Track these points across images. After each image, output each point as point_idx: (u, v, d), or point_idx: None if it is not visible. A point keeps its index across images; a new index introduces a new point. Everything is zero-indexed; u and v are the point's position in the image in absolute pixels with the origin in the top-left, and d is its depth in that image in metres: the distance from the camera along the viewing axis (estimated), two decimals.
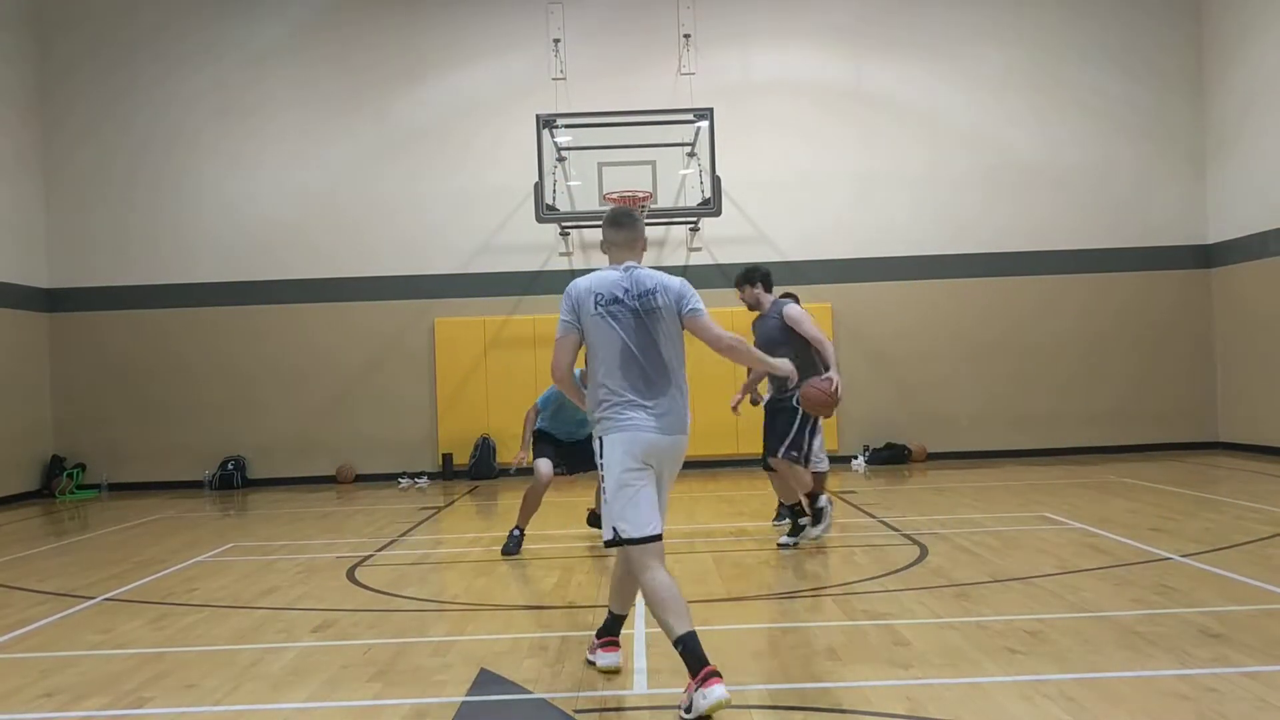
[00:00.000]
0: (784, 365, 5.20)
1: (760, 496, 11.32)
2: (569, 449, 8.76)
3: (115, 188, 15.64)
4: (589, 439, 8.54)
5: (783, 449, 7.94)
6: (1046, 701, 4.30)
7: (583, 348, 4.75)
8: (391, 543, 9.49)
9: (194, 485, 15.30)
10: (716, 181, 13.54)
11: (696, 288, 4.94)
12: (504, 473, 15.21)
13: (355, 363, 15.50)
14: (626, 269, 4.73)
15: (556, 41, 15.20)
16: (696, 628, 4.32)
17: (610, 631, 5.00)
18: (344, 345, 15.51)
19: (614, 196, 13.45)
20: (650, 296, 4.64)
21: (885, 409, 15.36)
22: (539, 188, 13.50)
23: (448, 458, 15.28)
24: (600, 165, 13.84)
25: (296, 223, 15.57)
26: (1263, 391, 14.32)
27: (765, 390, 8.76)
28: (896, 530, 9.01)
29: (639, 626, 5.84)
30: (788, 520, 8.49)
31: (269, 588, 7.43)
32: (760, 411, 8.62)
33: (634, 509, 4.48)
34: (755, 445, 8.61)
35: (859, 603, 6.26)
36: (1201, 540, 7.88)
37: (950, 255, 15.48)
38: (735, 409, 8.87)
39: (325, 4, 15.80)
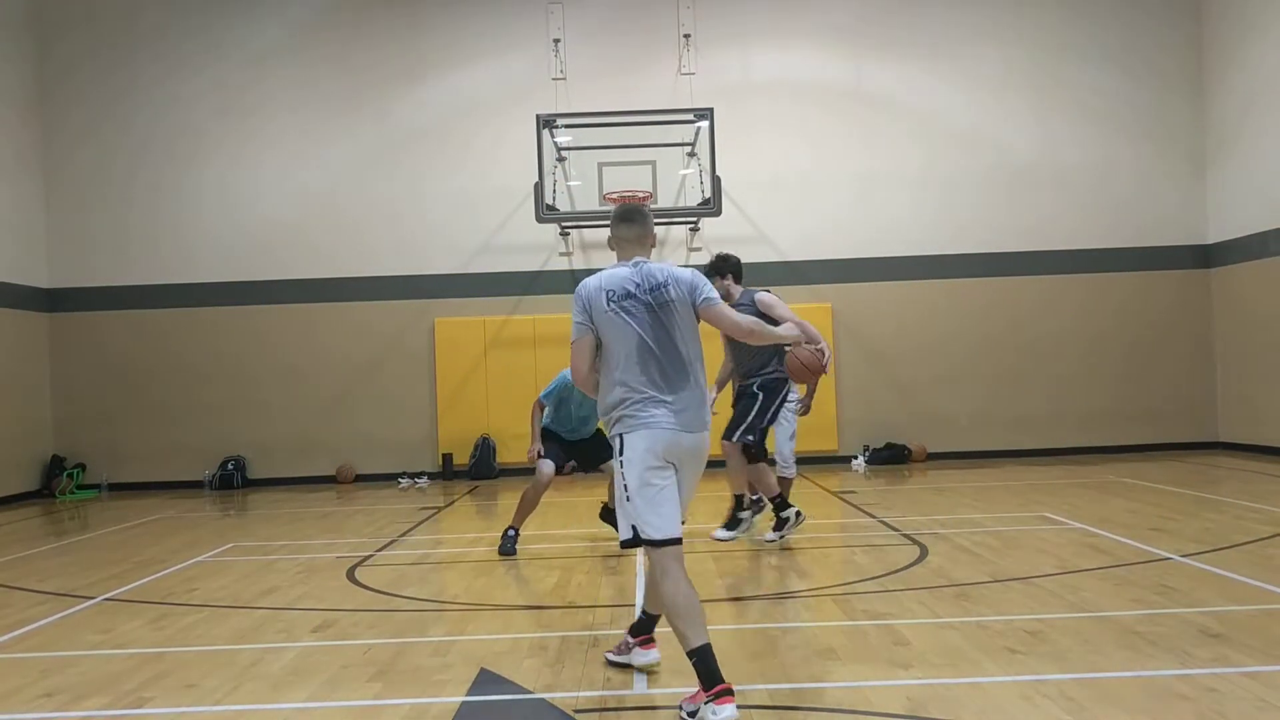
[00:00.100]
0: (791, 331, 5.09)
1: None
2: (573, 446, 8.70)
3: (115, 188, 15.64)
4: (594, 436, 8.58)
5: (738, 433, 7.90)
6: (1046, 701, 4.30)
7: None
8: (391, 543, 9.49)
9: (194, 485, 15.30)
10: (716, 181, 13.54)
11: None
12: (504, 472, 15.21)
13: (355, 363, 15.50)
14: (635, 264, 4.66)
15: (556, 41, 15.20)
16: None
17: (645, 630, 4.92)
18: (344, 345, 15.51)
19: (614, 196, 13.45)
20: (663, 289, 4.57)
21: (885, 409, 15.36)
22: (539, 188, 13.50)
23: (448, 458, 15.29)
24: (600, 165, 13.84)
25: (297, 223, 15.57)
26: (1263, 391, 14.32)
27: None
28: (896, 530, 9.01)
29: None
30: (747, 516, 8.51)
31: (269, 588, 7.43)
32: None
33: (655, 510, 4.40)
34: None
35: (859, 603, 6.27)
36: (1201, 540, 7.88)
37: (950, 255, 15.48)
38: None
39: (325, 4, 15.80)
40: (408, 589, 7.28)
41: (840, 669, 4.89)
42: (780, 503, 8.19)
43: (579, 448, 8.71)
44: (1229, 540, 7.86)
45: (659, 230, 15.16)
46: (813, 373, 7.28)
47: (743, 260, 8.28)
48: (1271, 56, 14.01)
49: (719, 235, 14.81)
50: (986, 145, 15.54)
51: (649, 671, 4.84)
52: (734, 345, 8.02)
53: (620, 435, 4.50)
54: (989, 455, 15.13)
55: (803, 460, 14.64)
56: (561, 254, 15.34)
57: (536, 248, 15.34)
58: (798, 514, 8.22)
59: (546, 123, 13.49)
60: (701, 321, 4.67)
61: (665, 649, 5.31)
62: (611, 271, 4.65)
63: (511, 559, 8.28)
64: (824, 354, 6.82)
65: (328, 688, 4.91)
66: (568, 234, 15.19)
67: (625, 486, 4.47)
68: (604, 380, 4.58)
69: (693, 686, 4.35)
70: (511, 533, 8.53)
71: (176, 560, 8.81)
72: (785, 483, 9.09)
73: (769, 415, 7.95)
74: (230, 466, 15.24)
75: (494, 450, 15.20)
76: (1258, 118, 14.32)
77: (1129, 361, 15.43)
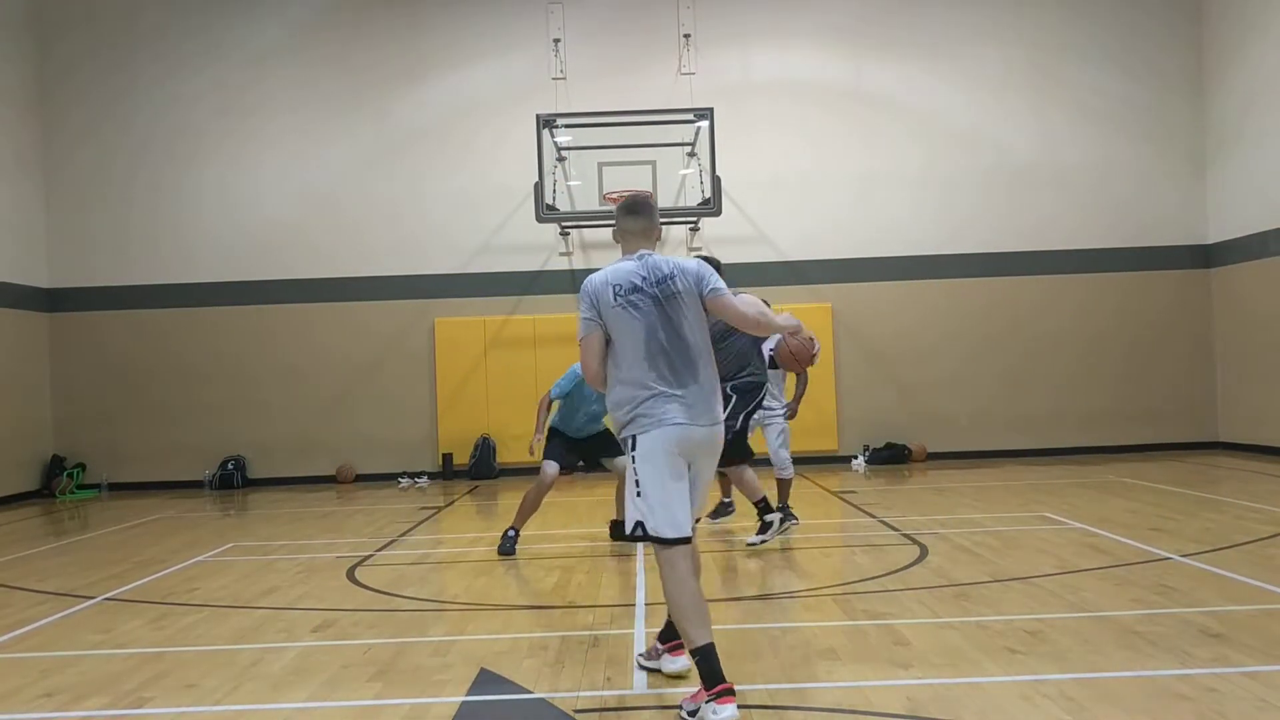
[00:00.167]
0: (791, 320, 4.97)
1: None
2: (579, 444, 8.64)
3: (115, 188, 15.64)
4: (602, 433, 8.53)
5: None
6: (1046, 701, 4.30)
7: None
8: (391, 543, 9.49)
9: (194, 485, 15.30)
10: (716, 181, 13.53)
11: None
12: (504, 472, 15.22)
13: (355, 363, 15.50)
14: (640, 257, 4.60)
15: (556, 41, 15.20)
16: None
17: (675, 635, 4.75)
18: (344, 345, 15.51)
19: (614, 196, 13.44)
20: (669, 281, 4.51)
21: (885, 409, 15.36)
22: (539, 188, 13.49)
23: (448, 458, 15.29)
24: (600, 165, 13.84)
25: (297, 223, 15.57)
26: (1263, 391, 14.32)
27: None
28: (896, 530, 9.01)
29: (639, 626, 5.85)
30: (726, 518, 8.56)
31: (269, 588, 7.43)
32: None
33: (665, 508, 4.35)
34: (757, 445, 8.59)
35: (859, 603, 6.27)
36: (1201, 540, 7.88)
37: (950, 255, 15.48)
38: None
39: (325, 4, 15.80)
40: (408, 589, 7.28)
41: (840, 669, 4.88)
42: (764, 506, 8.14)
43: (585, 445, 8.66)
44: (1229, 540, 7.86)
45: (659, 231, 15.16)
46: (801, 362, 7.24)
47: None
48: (1271, 56, 14.00)
49: (719, 235, 14.81)
50: (986, 145, 15.54)
51: (678, 678, 4.74)
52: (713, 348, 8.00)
53: (633, 435, 4.44)
54: (989, 455, 15.13)
55: (803, 460, 14.68)
56: (561, 254, 15.34)
57: (536, 248, 15.34)
58: (782, 519, 8.21)
59: (546, 123, 13.49)
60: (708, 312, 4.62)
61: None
62: (617, 266, 4.60)
63: (511, 559, 8.28)
64: (814, 343, 6.78)
65: (328, 688, 4.91)
66: (568, 234, 15.19)
67: (637, 483, 4.41)
68: (612, 376, 4.52)
69: (694, 687, 4.35)
70: (512, 533, 8.53)
71: (176, 560, 8.81)
72: (784, 485, 9.08)
73: (741, 418, 7.86)
74: (230, 466, 15.24)
75: (494, 450, 15.20)
76: (1258, 118, 14.32)
77: (1129, 361, 15.43)
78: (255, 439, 15.42)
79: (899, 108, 15.55)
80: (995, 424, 15.37)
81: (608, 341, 4.52)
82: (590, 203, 13.94)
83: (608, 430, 8.38)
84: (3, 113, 14.78)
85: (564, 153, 14.14)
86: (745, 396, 7.88)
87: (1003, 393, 15.40)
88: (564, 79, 15.03)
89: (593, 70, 15.22)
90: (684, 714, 4.25)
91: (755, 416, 8.20)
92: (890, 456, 15.09)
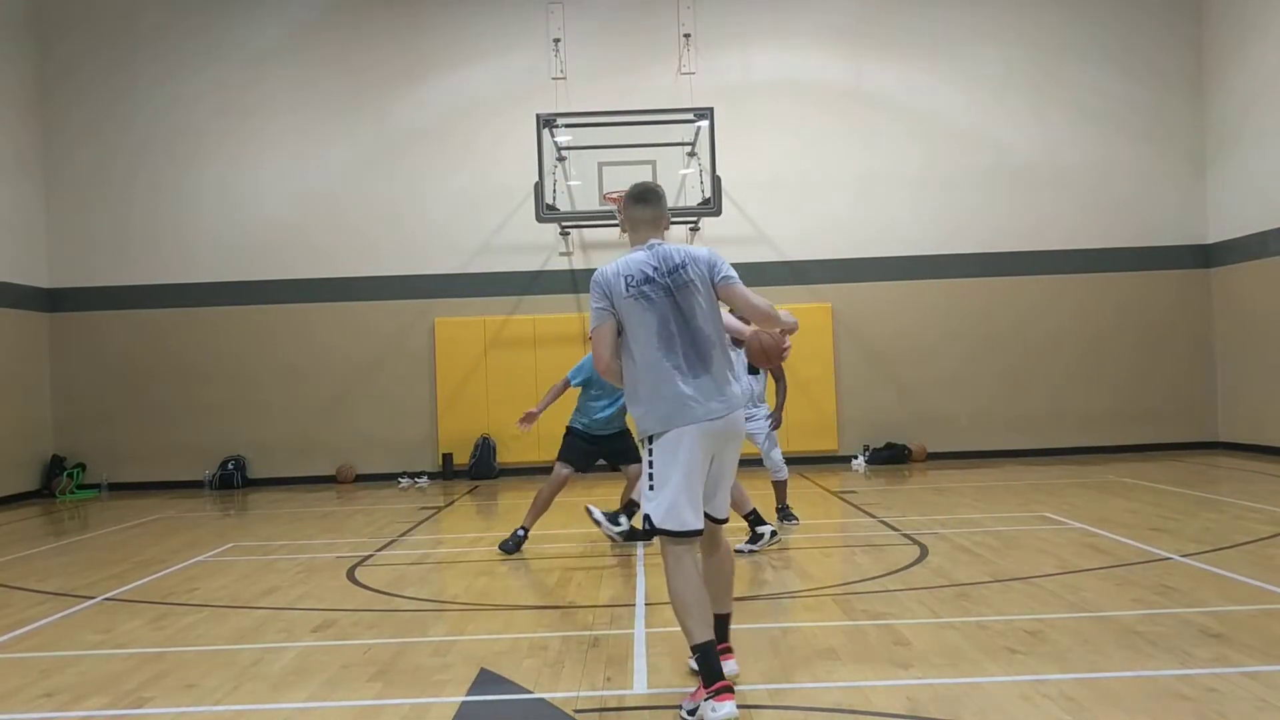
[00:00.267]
0: (791, 319, 4.90)
1: (760, 496, 11.31)
2: (599, 445, 8.53)
3: (115, 188, 15.64)
4: (621, 434, 8.46)
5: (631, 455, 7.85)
6: (1046, 701, 4.30)
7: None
8: (391, 543, 9.49)
9: (194, 485, 15.30)
10: (717, 181, 13.54)
11: None
12: (504, 472, 15.22)
13: (355, 363, 15.50)
14: (651, 247, 4.58)
15: (556, 41, 15.20)
16: None
17: (722, 637, 4.66)
18: (344, 345, 15.51)
19: (614, 196, 13.44)
20: (681, 271, 4.49)
21: (885, 409, 15.36)
22: (539, 188, 13.49)
23: (448, 457, 15.29)
24: (600, 165, 13.84)
25: (297, 223, 15.57)
26: (1263, 391, 14.32)
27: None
28: (896, 530, 9.01)
29: (639, 626, 5.85)
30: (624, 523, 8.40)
31: (269, 588, 7.43)
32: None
33: (675, 503, 4.33)
34: (747, 448, 8.56)
35: (859, 603, 6.26)
36: (1201, 540, 7.88)
37: (950, 255, 15.48)
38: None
39: (325, 4, 15.80)
40: (408, 589, 7.28)
41: (840, 669, 4.88)
42: (755, 518, 8.05)
43: (605, 446, 8.54)
44: (1229, 540, 7.86)
45: None
46: (771, 358, 7.20)
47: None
48: (1271, 56, 14.00)
49: (719, 235, 14.81)
50: (986, 145, 15.54)
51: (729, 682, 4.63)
52: None
53: (649, 435, 4.42)
54: (989, 455, 15.13)
55: (803, 460, 14.73)
56: (561, 254, 15.34)
57: (536, 248, 15.34)
58: (772, 533, 8.12)
59: (546, 123, 13.49)
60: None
61: (664, 646, 5.31)
62: (628, 257, 4.56)
63: (511, 559, 8.28)
64: (785, 338, 6.74)
65: (328, 688, 4.91)
66: (568, 234, 15.19)
67: (650, 476, 4.40)
68: (627, 370, 4.51)
69: (693, 685, 4.35)
70: (521, 532, 8.49)
71: (176, 560, 8.81)
72: (780, 486, 9.06)
73: None
74: (230, 466, 15.24)
75: (494, 450, 15.20)
76: (1258, 118, 14.32)
77: (1129, 361, 15.43)
78: (255, 439, 15.42)
79: (899, 108, 15.55)
80: (995, 424, 15.37)
81: (619, 333, 4.49)
82: (590, 203, 13.94)
83: (628, 431, 8.28)
84: (3, 113, 14.78)
85: (564, 153, 14.14)
86: None
87: (1003, 393, 15.40)
88: (564, 79, 15.03)
89: (593, 70, 15.22)
90: (684, 714, 4.25)
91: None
92: (890, 456, 15.09)
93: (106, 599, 7.21)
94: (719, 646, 4.61)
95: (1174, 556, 7.22)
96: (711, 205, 13.60)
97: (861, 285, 15.46)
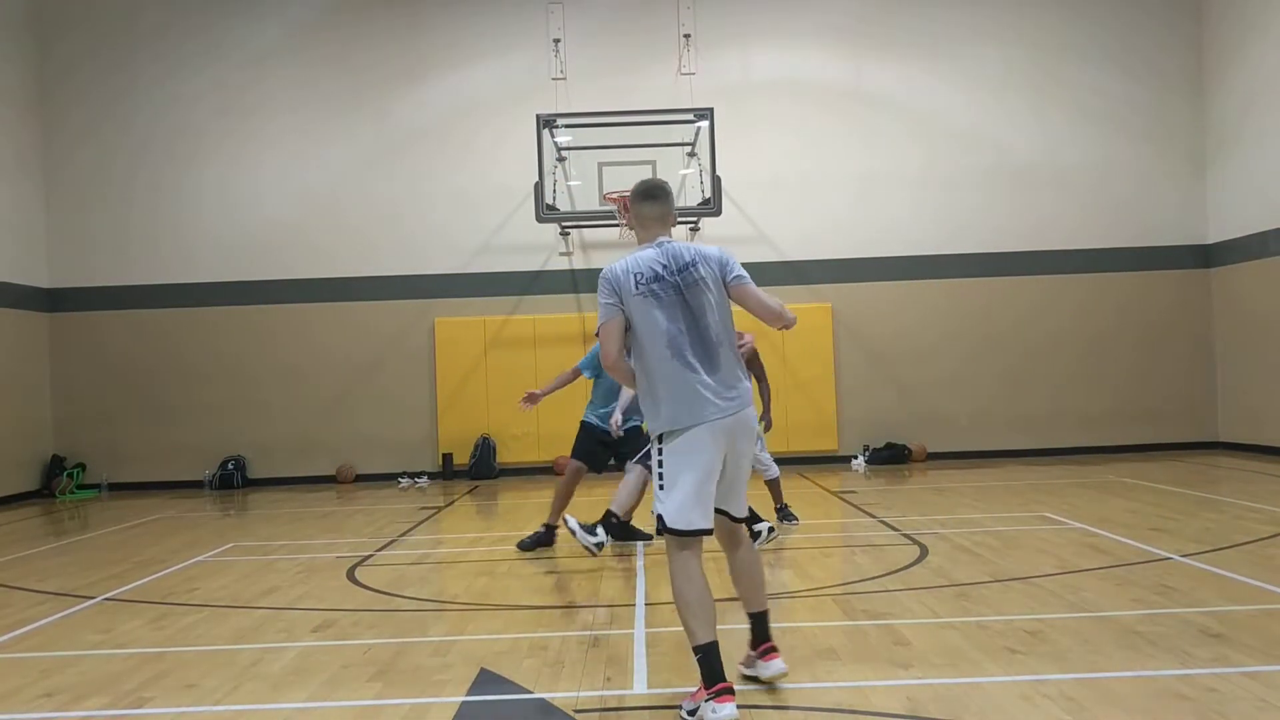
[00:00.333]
0: (791, 314, 4.88)
1: (759, 497, 11.32)
2: (613, 442, 8.46)
3: (115, 188, 15.64)
4: (635, 431, 8.40)
5: (638, 455, 7.74)
6: (1046, 701, 4.30)
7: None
8: (391, 543, 9.49)
9: (194, 485, 15.30)
10: (717, 181, 13.54)
11: None
12: (504, 472, 15.22)
13: (355, 363, 15.50)
14: (660, 244, 4.56)
15: (556, 41, 15.20)
16: None
17: (761, 637, 4.64)
18: (344, 345, 15.51)
19: (614, 196, 13.44)
20: (691, 269, 4.47)
21: (885, 409, 15.36)
22: (539, 188, 13.49)
23: (448, 457, 15.28)
24: (600, 165, 13.84)
25: (297, 223, 15.57)
26: (1263, 391, 14.32)
27: None
28: (896, 530, 9.01)
29: (639, 626, 5.85)
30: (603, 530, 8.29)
31: (269, 588, 7.43)
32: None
33: (682, 504, 4.31)
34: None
35: (859, 603, 6.26)
36: (1201, 540, 7.88)
37: (950, 255, 15.48)
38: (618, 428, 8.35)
39: (325, 4, 15.80)
40: (408, 589, 7.28)
41: (840, 669, 4.88)
42: (752, 516, 7.92)
43: (619, 443, 8.45)
44: (1229, 540, 7.86)
45: None
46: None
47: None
48: (1271, 56, 14.00)
49: (719, 235, 14.80)
50: (986, 145, 15.54)
51: (775, 681, 4.58)
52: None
53: (659, 434, 4.41)
54: (989, 455, 15.13)
55: (802, 460, 14.74)
56: (561, 254, 15.34)
57: (536, 248, 15.34)
58: (770, 529, 8.12)
59: (546, 123, 13.49)
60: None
61: (664, 646, 5.31)
62: (637, 254, 4.54)
63: (509, 558, 8.27)
64: (745, 335, 6.70)
65: (328, 688, 4.91)
66: (568, 234, 15.19)
67: (660, 476, 4.39)
68: (636, 369, 4.49)
69: (694, 686, 4.35)
70: (543, 530, 8.46)
71: (176, 560, 8.80)
72: (774, 485, 9.05)
73: None
74: (230, 466, 15.24)
75: (494, 450, 15.20)
76: (1258, 118, 14.32)
77: (1129, 361, 15.43)
78: (255, 439, 15.42)
79: (899, 108, 15.55)
80: (995, 424, 15.37)
81: (627, 329, 4.47)
82: (590, 203, 13.94)
83: (641, 428, 8.22)
84: (3, 113, 14.78)
85: (564, 153, 14.14)
86: None
87: (1003, 393, 15.40)
88: (564, 79, 15.03)
89: (593, 70, 15.22)
90: (684, 714, 4.25)
91: None
92: (890, 456, 15.09)
93: (106, 599, 7.21)
94: (762, 646, 4.60)
95: (1174, 556, 7.22)
96: (711, 205, 13.60)
97: (861, 285, 15.46)
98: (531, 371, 14.70)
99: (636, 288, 4.43)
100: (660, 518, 4.38)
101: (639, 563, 7.82)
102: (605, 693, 4.67)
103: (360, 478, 15.36)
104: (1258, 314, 14.41)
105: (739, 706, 4.17)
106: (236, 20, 15.73)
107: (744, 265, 4.73)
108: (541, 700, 4.60)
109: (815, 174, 15.47)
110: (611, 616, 6.14)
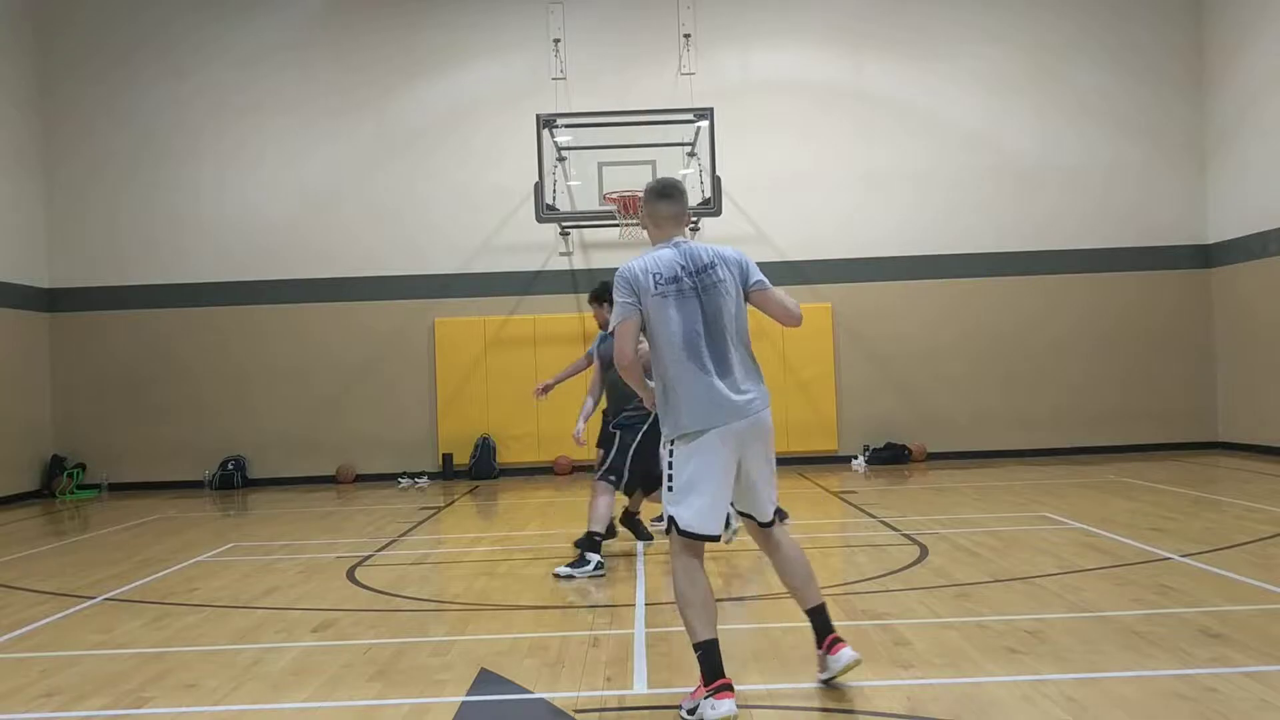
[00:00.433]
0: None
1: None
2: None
3: (115, 187, 15.63)
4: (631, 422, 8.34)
5: (600, 472, 7.66)
6: (1046, 701, 4.29)
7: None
8: (391, 543, 9.49)
9: (194, 485, 15.30)
10: (717, 181, 13.54)
11: None
12: (504, 472, 15.22)
13: (355, 362, 15.50)
14: (677, 245, 4.51)
15: (556, 41, 15.20)
16: None
17: (824, 630, 4.56)
18: (344, 345, 15.50)
19: (614, 196, 13.45)
20: (710, 271, 4.43)
21: (885, 409, 15.35)
22: (539, 188, 13.49)
23: (448, 458, 15.28)
24: (600, 165, 13.84)
25: (296, 222, 15.57)
26: (1263, 391, 14.31)
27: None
28: (897, 530, 9.01)
29: (639, 626, 5.85)
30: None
31: (269, 588, 7.43)
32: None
33: (689, 505, 4.30)
34: None
35: (859, 603, 6.26)
36: (1201, 540, 7.88)
37: (950, 255, 15.48)
38: (580, 439, 8.04)
39: (326, 4, 15.80)
40: (408, 589, 7.28)
41: None
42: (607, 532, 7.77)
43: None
44: (1229, 540, 7.86)
45: None
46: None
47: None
48: (1271, 56, 14.00)
49: (719, 235, 14.79)
50: (987, 145, 15.53)
51: (849, 669, 4.51)
52: (606, 382, 7.79)
53: (671, 439, 4.38)
54: (989, 455, 15.13)
55: (802, 460, 14.73)
56: (561, 254, 15.34)
57: (536, 248, 15.34)
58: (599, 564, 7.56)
59: (546, 123, 13.49)
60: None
61: (664, 646, 5.31)
62: (655, 254, 4.49)
63: (509, 559, 8.28)
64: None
65: (328, 688, 4.91)
66: (568, 234, 15.19)
67: (670, 478, 4.37)
68: (653, 369, 4.46)
69: (694, 685, 4.35)
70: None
71: (176, 560, 8.80)
72: None
73: (630, 453, 7.62)
74: (230, 466, 15.24)
75: (494, 450, 15.20)
76: (1258, 117, 14.32)
77: (1129, 361, 15.42)
78: (255, 439, 15.42)
79: (899, 107, 15.54)
80: (995, 424, 15.36)
81: (643, 328, 4.44)
82: (590, 203, 13.94)
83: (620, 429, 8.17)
84: (3, 111, 14.78)
85: (564, 153, 14.14)
86: (628, 431, 7.66)
87: (1002, 393, 15.40)
88: (564, 79, 15.03)
89: (593, 70, 15.22)
90: (684, 713, 4.25)
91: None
92: (890, 456, 15.08)
93: (106, 599, 7.21)
94: (827, 639, 4.53)
95: (1174, 556, 7.22)
96: (711, 205, 13.60)
97: (862, 285, 15.46)
98: (531, 371, 14.69)
99: (655, 287, 4.38)
100: (672, 520, 4.37)
101: (639, 563, 7.82)
102: (605, 693, 4.67)
103: (360, 478, 15.36)
104: (1258, 314, 14.41)
105: (739, 706, 4.17)
106: (237, 18, 15.73)
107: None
108: (541, 700, 4.60)
109: (815, 174, 15.47)
110: (611, 616, 6.14)
